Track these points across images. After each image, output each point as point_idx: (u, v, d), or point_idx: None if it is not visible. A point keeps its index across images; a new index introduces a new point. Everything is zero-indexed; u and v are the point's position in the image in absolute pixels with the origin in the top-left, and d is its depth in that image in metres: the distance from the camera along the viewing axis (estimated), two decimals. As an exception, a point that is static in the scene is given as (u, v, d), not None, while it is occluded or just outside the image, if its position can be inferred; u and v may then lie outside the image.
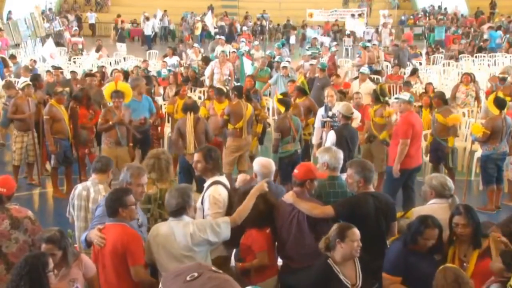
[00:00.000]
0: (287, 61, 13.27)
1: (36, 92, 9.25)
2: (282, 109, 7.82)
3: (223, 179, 4.82)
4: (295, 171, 4.58)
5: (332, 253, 3.85)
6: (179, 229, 4.06)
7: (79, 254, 3.93)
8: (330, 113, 8.23)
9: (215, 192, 4.56)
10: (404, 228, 4.42)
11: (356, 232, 3.82)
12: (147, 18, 26.87)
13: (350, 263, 3.87)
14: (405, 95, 7.37)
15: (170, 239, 4.05)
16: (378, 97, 8.55)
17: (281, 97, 8.37)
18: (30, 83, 8.96)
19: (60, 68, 12.44)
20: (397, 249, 4.19)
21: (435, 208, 4.55)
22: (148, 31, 26.26)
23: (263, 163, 5.08)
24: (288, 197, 4.50)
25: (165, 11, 28.86)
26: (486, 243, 4.16)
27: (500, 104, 7.83)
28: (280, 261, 4.75)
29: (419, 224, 4.12)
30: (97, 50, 18.94)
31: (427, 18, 30.84)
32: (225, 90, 9.29)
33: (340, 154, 5.14)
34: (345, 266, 3.84)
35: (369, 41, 20.90)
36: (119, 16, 28.31)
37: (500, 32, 23.94)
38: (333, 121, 8.02)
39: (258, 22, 28.91)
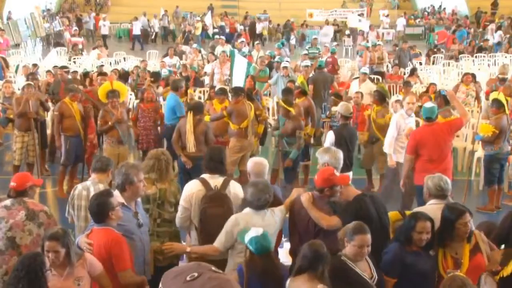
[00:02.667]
0: (286, 61, 13.26)
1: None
2: (292, 110, 7.82)
3: (211, 178, 4.81)
4: (314, 177, 4.57)
5: (344, 251, 3.90)
6: (268, 218, 4.31)
7: (82, 253, 3.91)
8: (328, 113, 8.23)
9: (187, 186, 4.80)
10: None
11: (364, 238, 3.81)
12: (136, 18, 26.88)
13: (361, 260, 3.90)
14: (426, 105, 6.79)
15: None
16: (384, 98, 8.53)
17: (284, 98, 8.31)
18: (31, 83, 8.97)
19: (66, 67, 12.23)
20: (394, 251, 4.16)
21: (434, 208, 4.53)
22: (136, 30, 26.21)
23: (256, 162, 5.07)
24: (304, 199, 4.46)
25: (165, 11, 28.85)
26: (474, 239, 4.22)
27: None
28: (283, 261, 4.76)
29: (409, 219, 4.16)
30: (94, 48, 18.95)
31: (428, 18, 30.84)
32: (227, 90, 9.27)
33: (340, 154, 5.13)
34: (358, 261, 3.87)
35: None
36: (97, 15, 28.28)
37: (500, 32, 23.97)
38: (332, 121, 8.01)
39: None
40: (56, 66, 13.44)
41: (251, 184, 4.37)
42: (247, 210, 4.35)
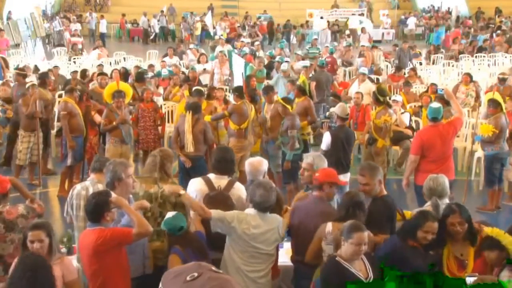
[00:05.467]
0: (286, 61, 13.25)
1: (46, 90, 9.29)
2: (290, 108, 7.88)
3: (217, 178, 4.82)
4: (316, 174, 4.58)
5: (339, 252, 3.90)
6: (271, 221, 4.33)
7: (62, 254, 3.87)
8: (327, 114, 8.25)
9: (191, 184, 4.84)
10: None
11: (361, 236, 3.81)
12: (102, 16, 27.00)
13: (357, 259, 3.90)
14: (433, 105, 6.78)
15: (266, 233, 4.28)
16: (378, 98, 8.52)
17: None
18: (35, 83, 8.98)
19: (22, 69, 11.33)
20: (393, 244, 4.19)
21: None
22: (102, 29, 26.17)
23: (252, 162, 5.10)
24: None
25: (161, 11, 28.83)
26: (478, 239, 4.24)
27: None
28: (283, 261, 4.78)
29: (418, 218, 4.17)
30: (95, 48, 18.95)
31: (429, 18, 30.84)
32: (208, 90, 9.31)
33: (323, 157, 5.18)
34: (354, 262, 3.88)
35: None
36: (124, 16, 28.23)
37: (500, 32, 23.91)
38: (331, 122, 8.03)
39: (258, 22, 28.91)
40: (57, 66, 13.44)
41: (259, 184, 4.33)
42: (252, 211, 4.32)
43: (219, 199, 4.63)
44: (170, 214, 4.18)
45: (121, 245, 4.09)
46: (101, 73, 10.82)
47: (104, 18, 26.96)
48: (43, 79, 9.44)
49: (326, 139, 7.13)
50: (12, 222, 4.41)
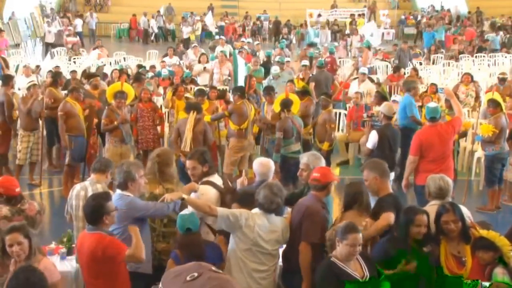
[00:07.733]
0: (287, 60, 13.24)
1: (58, 89, 9.39)
2: (277, 110, 7.86)
3: (215, 179, 4.89)
4: (316, 174, 4.55)
5: (334, 252, 3.90)
6: (276, 223, 4.37)
7: (42, 257, 3.83)
8: (370, 113, 8.28)
9: (207, 191, 4.76)
10: None
11: (356, 237, 3.82)
12: (76, 15, 27.02)
13: (353, 259, 3.90)
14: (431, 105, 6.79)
15: (270, 231, 4.31)
16: (385, 97, 8.54)
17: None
18: (36, 83, 9.00)
19: None
20: (384, 246, 4.19)
21: (434, 209, 4.55)
22: (78, 28, 25.97)
23: (262, 162, 5.15)
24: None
25: (158, 11, 28.74)
26: (473, 238, 4.24)
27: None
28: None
29: (407, 214, 4.20)
30: (94, 48, 18.95)
31: (429, 18, 30.81)
32: (204, 90, 9.28)
33: (320, 156, 5.17)
34: (349, 262, 3.87)
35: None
36: (134, 15, 28.13)
37: (500, 32, 23.89)
38: (373, 121, 8.04)
39: (258, 22, 28.92)
40: (58, 66, 13.44)
41: (266, 186, 4.39)
42: (257, 210, 4.38)
43: (237, 197, 4.75)
44: (186, 211, 4.30)
45: (115, 259, 4.01)
46: (90, 75, 10.80)
47: (79, 18, 26.72)
48: (55, 78, 9.51)
49: (373, 138, 7.15)
50: (33, 218, 4.51)
